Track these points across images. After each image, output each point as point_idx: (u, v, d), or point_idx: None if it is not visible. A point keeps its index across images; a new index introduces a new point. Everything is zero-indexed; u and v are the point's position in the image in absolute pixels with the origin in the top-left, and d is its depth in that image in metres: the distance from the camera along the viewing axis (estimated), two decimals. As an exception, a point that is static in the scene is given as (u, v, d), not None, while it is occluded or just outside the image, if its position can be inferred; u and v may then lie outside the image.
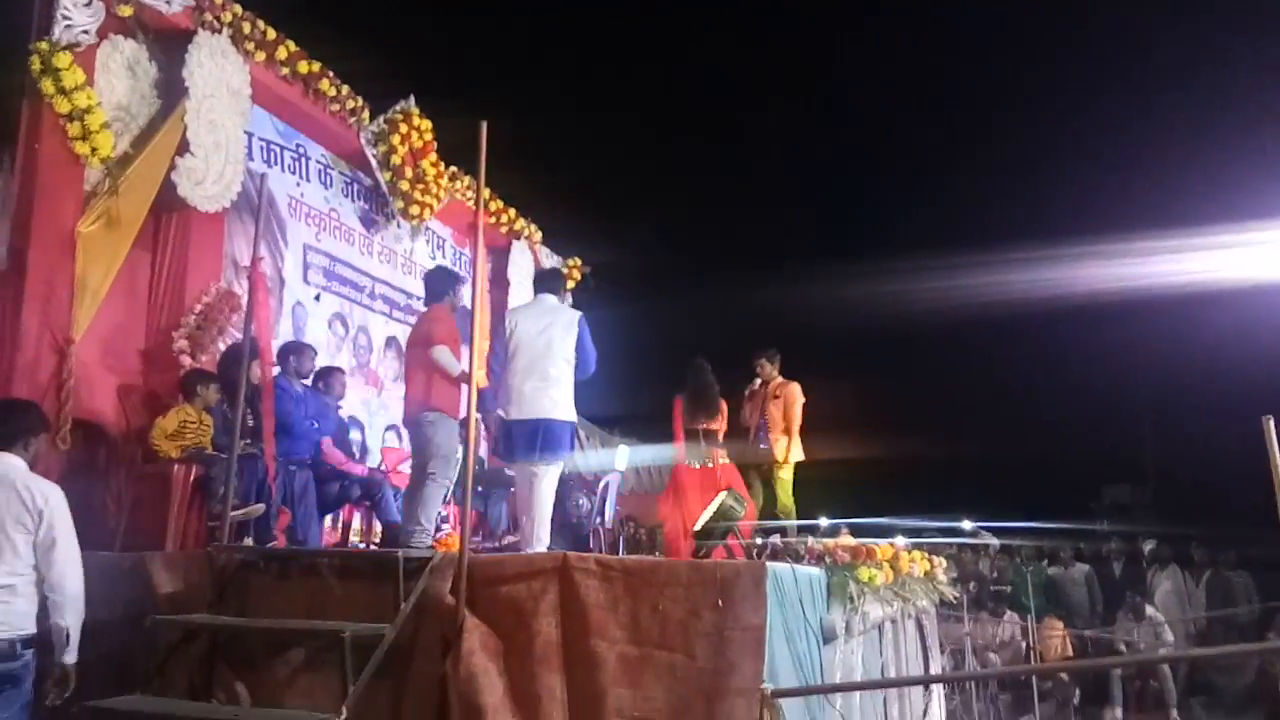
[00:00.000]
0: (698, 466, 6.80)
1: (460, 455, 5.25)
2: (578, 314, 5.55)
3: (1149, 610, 9.80)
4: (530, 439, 5.24)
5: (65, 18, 5.72)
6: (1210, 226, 11.92)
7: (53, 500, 3.80)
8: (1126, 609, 9.93)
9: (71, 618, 3.77)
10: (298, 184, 8.03)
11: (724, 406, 7.14)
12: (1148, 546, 11.54)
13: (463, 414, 5.07)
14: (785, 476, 7.44)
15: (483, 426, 6.10)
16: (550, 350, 5.33)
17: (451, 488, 5.54)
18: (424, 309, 5.63)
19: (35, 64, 5.56)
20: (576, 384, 5.47)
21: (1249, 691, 9.55)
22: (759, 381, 7.74)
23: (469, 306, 5.45)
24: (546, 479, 5.32)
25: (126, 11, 6.08)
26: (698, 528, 6.07)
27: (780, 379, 7.69)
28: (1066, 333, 19.25)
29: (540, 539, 5.24)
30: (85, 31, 5.83)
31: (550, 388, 5.30)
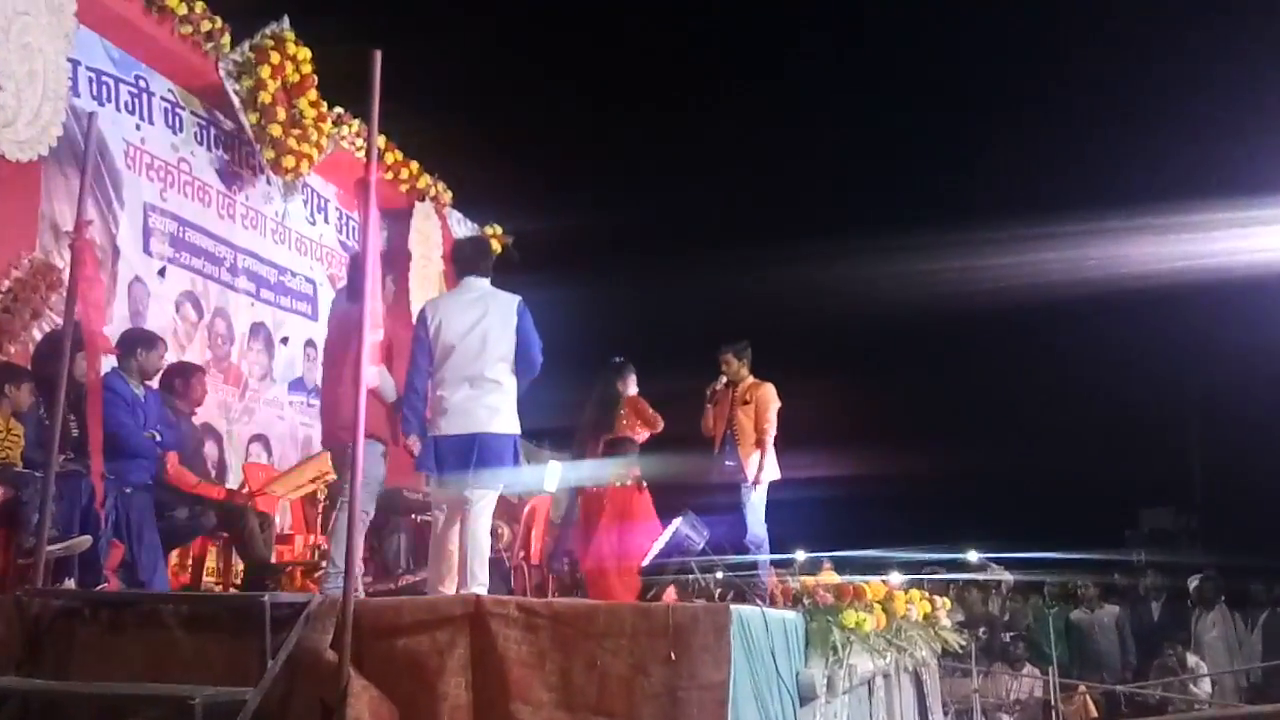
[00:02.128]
0: (597, 489, 6.88)
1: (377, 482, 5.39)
2: (516, 299, 5.48)
3: (1191, 660, 10.05)
4: (463, 455, 5.23)
5: None
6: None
7: None
8: (1163, 661, 10.15)
9: None
10: (137, 127, 7.87)
11: (624, 416, 7.15)
12: (1193, 583, 11.82)
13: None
14: (756, 500, 7.49)
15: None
16: (485, 349, 5.31)
17: (368, 519, 5.50)
18: (345, 302, 5.58)
19: None
20: (520, 387, 5.45)
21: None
22: (724, 382, 7.76)
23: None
24: (481, 505, 5.30)
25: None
26: (646, 561, 6.10)
27: (751, 379, 7.70)
28: (1095, 324, 19.70)
29: (479, 579, 5.20)
30: None
31: (486, 395, 5.30)
